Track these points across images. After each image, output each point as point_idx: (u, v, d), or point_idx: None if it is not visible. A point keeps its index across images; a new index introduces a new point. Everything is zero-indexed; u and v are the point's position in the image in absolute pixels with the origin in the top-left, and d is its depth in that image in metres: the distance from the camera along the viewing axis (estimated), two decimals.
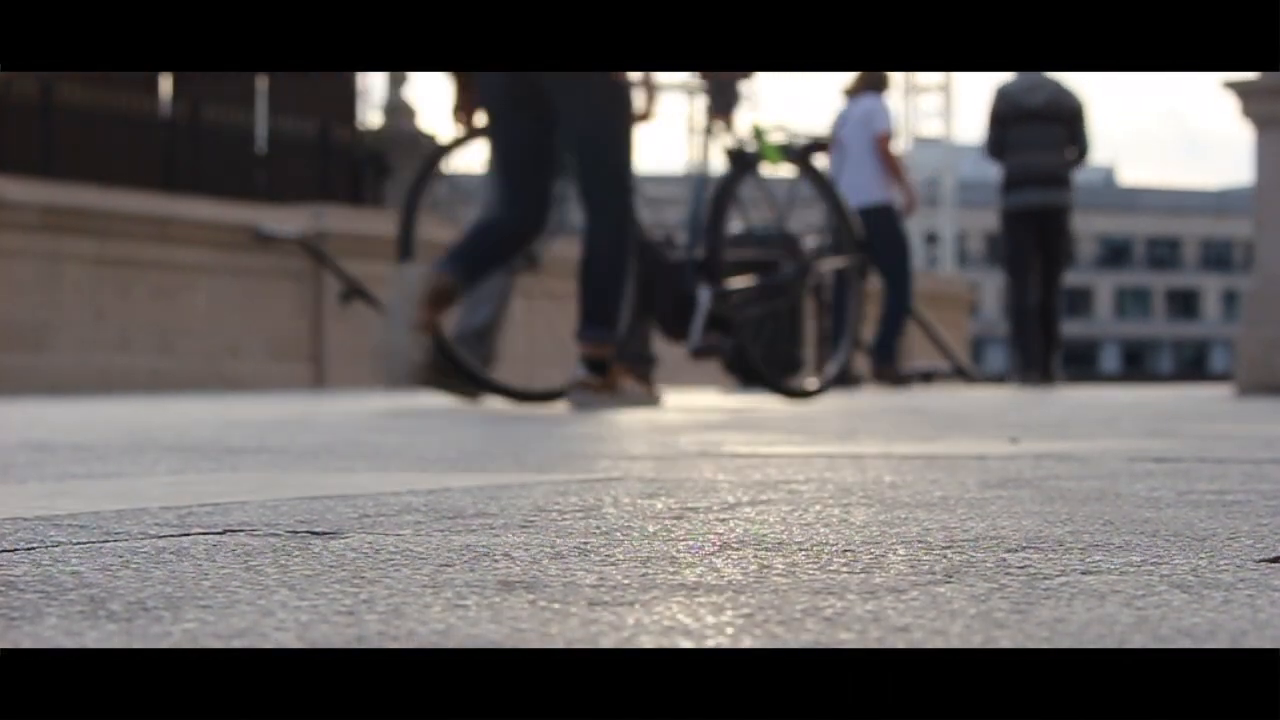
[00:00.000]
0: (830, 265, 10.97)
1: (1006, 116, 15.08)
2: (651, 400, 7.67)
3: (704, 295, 9.15)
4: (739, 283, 9.60)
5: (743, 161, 9.48)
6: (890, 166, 14.35)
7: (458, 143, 8.70)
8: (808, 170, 9.82)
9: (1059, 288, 15.44)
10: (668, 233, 10.77)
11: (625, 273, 7.15)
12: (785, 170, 9.81)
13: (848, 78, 14.79)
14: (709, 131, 9.43)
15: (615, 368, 7.31)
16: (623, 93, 6.97)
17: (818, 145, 10.09)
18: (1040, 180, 15.06)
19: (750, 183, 9.62)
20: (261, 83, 20.82)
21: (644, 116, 7.52)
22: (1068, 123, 14.97)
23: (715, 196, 9.34)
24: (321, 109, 21.34)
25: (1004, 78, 15.51)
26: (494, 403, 8.81)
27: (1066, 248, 15.33)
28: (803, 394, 9.95)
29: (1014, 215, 15.25)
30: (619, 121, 6.99)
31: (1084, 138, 15.01)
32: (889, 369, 14.96)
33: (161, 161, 19.48)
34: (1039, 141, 14.99)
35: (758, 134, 9.52)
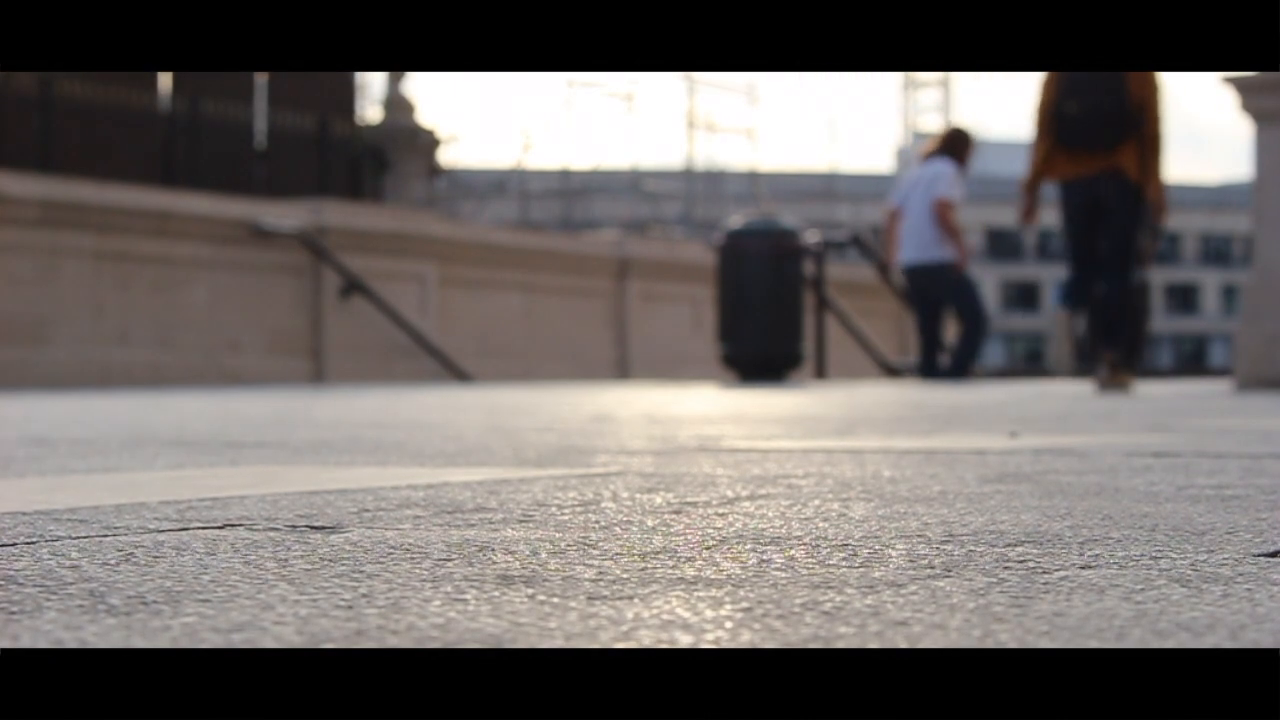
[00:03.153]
0: None
1: None
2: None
3: None
4: None
5: None
6: (947, 229, 14.58)
7: None
8: None
9: (1144, 341, 15.94)
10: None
11: (1127, 310, 11.05)
12: None
13: (927, 142, 15.17)
14: None
15: (1122, 368, 10.98)
16: (1142, 201, 11.04)
17: None
18: None
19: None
20: (260, 78, 20.82)
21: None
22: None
23: None
24: (320, 104, 21.35)
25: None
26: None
27: (1143, 319, 15.71)
28: None
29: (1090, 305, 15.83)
30: (1137, 219, 11.02)
31: (1158, 223, 15.42)
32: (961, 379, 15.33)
33: (160, 156, 19.49)
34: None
35: None
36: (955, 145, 14.73)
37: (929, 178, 14.64)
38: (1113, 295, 11.11)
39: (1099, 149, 10.86)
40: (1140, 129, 10.85)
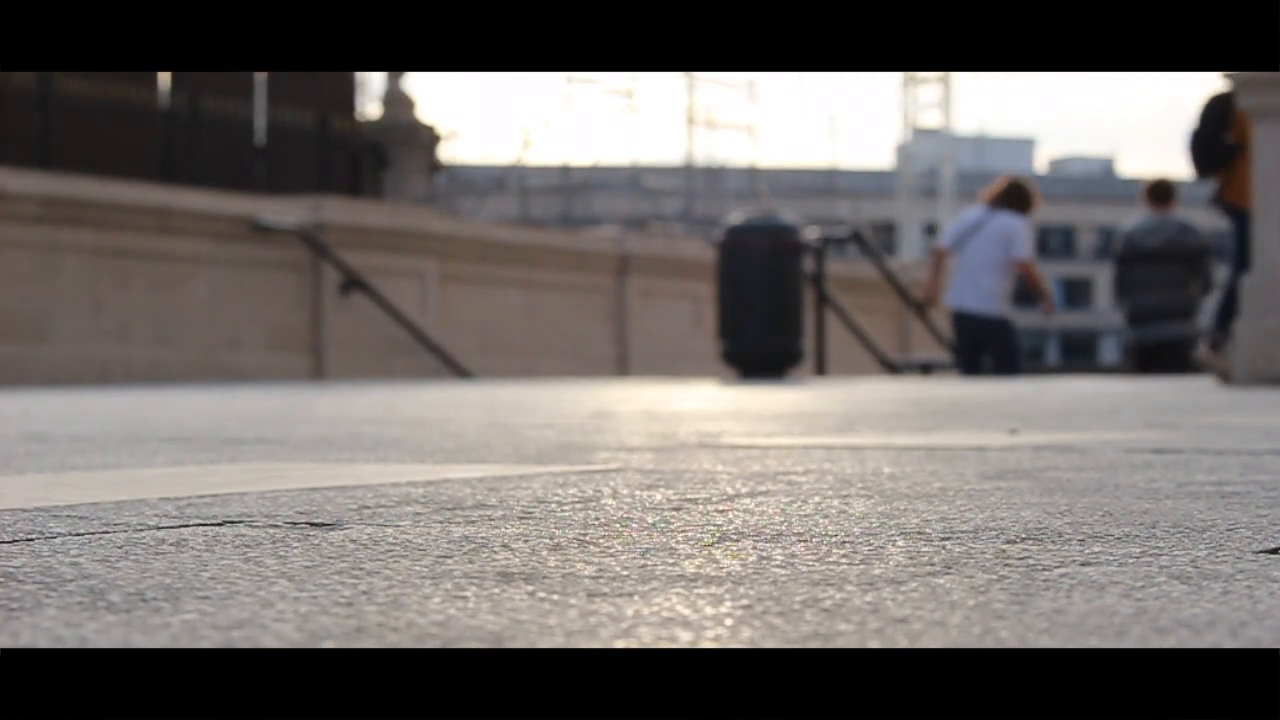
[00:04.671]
0: None
1: (1129, 257, 16.02)
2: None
3: None
4: None
5: None
6: (1037, 289, 15.36)
7: None
8: None
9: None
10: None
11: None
12: None
13: (989, 186, 15.36)
14: None
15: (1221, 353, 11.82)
16: (1247, 218, 11.73)
17: None
18: (1160, 316, 16.00)
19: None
20: (260, 75, 20.81)
21: None
22: (1189, 261, 15.70)
23: None
24: (320, 100, 21.34)
25: (1130, 219, 16.38)
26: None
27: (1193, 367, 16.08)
28: None
29: (1139, 349, 16.20)
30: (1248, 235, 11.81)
31: (1207, 274, 15.81)
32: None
33: (160, 153, 19.48)
34: (1157, 281, 15.84)
35: None
36: (1019, 198, 14.88)
37: (998, 232, 14.76)
38: (1234, 299, 12.13)
39: (1209, 174, 12.15)
40: (1247, 155, 11.73)
